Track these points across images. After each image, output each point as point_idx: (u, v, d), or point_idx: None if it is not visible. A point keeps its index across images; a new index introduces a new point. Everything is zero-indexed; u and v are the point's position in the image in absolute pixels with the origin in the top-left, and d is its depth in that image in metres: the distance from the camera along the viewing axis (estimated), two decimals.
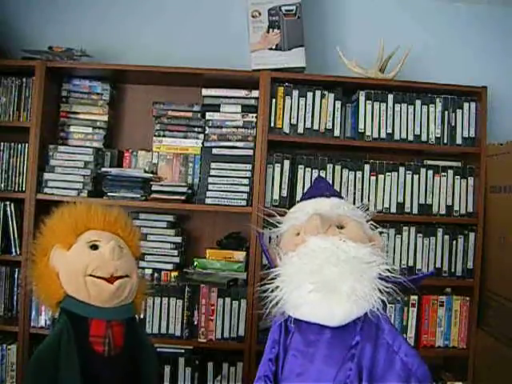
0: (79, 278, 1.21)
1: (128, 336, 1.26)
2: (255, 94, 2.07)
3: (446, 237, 2.09)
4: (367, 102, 2.07)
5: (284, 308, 1.14)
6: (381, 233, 1.30)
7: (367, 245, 1.14)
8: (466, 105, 2.10)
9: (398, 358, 1.07)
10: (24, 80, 2.07)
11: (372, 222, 1.30)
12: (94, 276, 1.21)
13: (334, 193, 1.35)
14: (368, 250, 1.12)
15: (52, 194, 2.02)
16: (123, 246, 1.30)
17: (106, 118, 2.15)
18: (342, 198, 1.37)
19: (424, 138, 2.08)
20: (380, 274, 1.10)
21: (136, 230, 1.40)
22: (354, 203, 1.99)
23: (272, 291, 1.15)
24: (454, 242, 2.09)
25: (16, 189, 2.06)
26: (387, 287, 1.09)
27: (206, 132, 2.11)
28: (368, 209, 1.33)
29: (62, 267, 1.24)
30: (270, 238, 1.36)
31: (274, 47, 2.05)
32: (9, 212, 2.05)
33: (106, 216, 1.32)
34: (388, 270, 1.12)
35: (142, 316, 1.98)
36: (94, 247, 1.25)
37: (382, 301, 1.09)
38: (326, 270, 1.07)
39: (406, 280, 1.11)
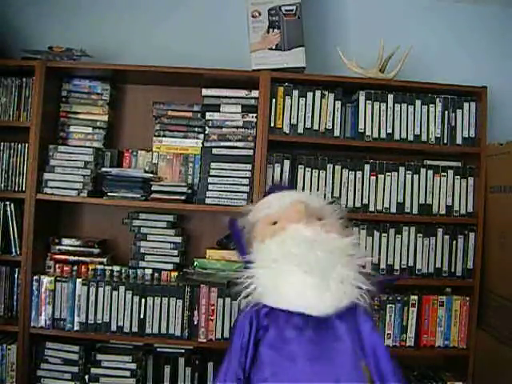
0: None
1: None
2: (255, 94, 2.07)
3: (446, 237, 2.09)
4: (367, 101, 2.07)
5: (260, 298, 1.06)
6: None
7: (349, 237, 1.09)
8: (466, 105, 2.10)
9: None
10: (24, 80, 2.07)
11: (344, 220, 1.25)
12: None
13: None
14: (350, 242, 1.08)
15: (52, 194, 2.02)
16: None
17: (106, 118, 2.15)
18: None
19: (424, 138, 2.08)
20: (362, 268, 1.05)
21: None
22: (354, 203, 2.04)
23: (247, 280, 1.07)
24: (454, 242, 2.09)
25: (16, 189, 2.06)
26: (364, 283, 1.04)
27: (206, 132, 2.11)
28: (338, 204, 1.29)
29: None
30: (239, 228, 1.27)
31: (273, 47, 2.05)
32: (9, 212, 2.05)
33: None
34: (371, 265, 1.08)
35: (142, 316, 1.98)
36: None
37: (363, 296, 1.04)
38: (312, 256, 1.00)
39: (385, 279, 1.09)
